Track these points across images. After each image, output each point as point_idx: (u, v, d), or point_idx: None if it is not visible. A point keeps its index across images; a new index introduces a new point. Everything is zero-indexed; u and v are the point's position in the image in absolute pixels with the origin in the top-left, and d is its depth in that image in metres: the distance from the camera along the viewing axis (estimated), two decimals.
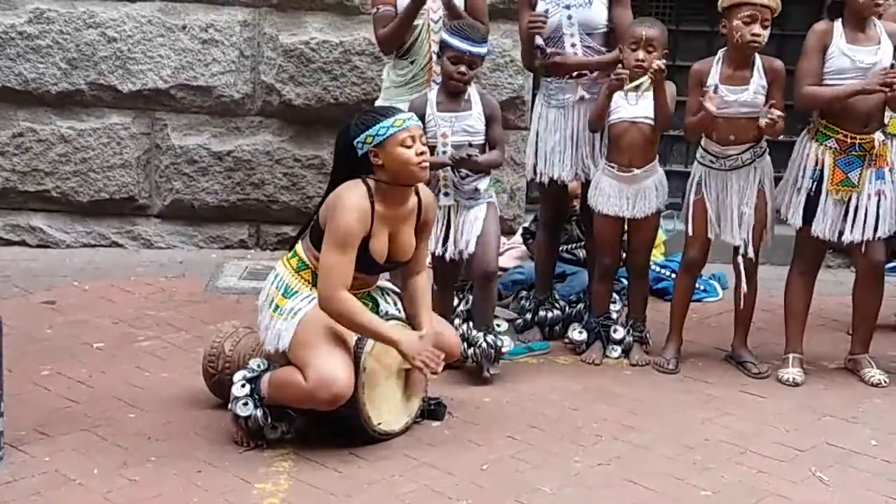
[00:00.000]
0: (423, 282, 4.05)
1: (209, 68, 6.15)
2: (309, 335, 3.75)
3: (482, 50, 4.48)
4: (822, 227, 4.52)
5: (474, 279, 4.64)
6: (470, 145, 4.46)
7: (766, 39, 4.45)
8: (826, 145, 4.50)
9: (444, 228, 4.55)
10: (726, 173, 4.60)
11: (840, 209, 4.51)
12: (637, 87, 4.59)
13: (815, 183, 4.52)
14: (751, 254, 4.61)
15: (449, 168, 4.47)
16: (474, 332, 4.52)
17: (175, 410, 4.10)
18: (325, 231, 3.76)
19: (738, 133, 4.54)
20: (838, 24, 4.46)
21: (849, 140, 4.47)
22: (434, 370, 3.82)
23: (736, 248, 4.65)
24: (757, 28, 4.41)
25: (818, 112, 4.59)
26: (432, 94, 4.56)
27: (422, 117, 4.44)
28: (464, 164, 4.43)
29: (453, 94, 4.51)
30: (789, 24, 6.38)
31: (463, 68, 4.42)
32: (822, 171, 4.51)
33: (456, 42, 4.41)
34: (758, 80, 4.52)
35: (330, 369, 3.68)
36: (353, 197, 3.76)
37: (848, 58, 4.40)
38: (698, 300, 5.56)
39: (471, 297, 4.91)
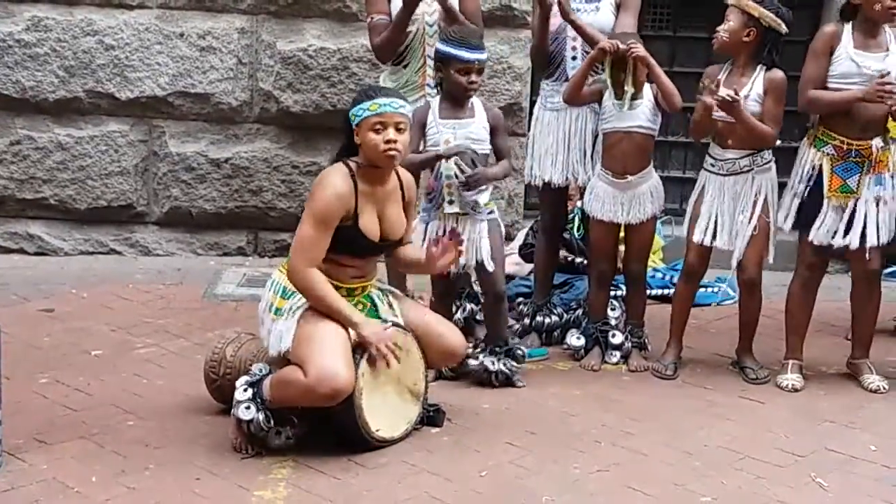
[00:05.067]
0: (410, 247, 4.18)
1: (207, 75, 6.15)
2: (309, 332, 3.77)
3: (486, 55, 4.48)
4: (820, 233, 4.52)
5: (485, 300, 4.65)
6: (475, 154, 4.42)
7: (729, 35, 4.45)
8: (824, 151, 4.50)
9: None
10: (724, 178, 4.60)
11: (839, 215, 4.51)
12: (623, 99, 4.61)
13: (808, 188, 4.52)
14: (750, 270, 4.59)
15: (453, 177, 4.40)
16: (489, 357, 4.51)
17: (173, 418, 4.10)
18: (305, 207, 3.84)
19: (735, 137, 4.54)
20: (848, 27, 4.44)
21: (845, 146, 4.46)
22: (388, 362, 3.81)
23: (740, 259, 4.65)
24: (723, 24, 4.51)
25: (817, 118, 4.59)
26: (435, 101, 4.53)
27: (424, 125, 4.46)
28: (474, 183, 4.37)
29: (457, 102, 4.47)
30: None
31: (473, 77, 4.41)
32: (818, 176, 4.51)
33: (463, 53, 4.37)
34: (755, 87, 4.52)
35: (330, 365, 3.69)
36: (333, 177, 3.86)
37: (854, 63, 4.38)
38: (709, 303, 5.63)
39: (468, 306, 4.95)
